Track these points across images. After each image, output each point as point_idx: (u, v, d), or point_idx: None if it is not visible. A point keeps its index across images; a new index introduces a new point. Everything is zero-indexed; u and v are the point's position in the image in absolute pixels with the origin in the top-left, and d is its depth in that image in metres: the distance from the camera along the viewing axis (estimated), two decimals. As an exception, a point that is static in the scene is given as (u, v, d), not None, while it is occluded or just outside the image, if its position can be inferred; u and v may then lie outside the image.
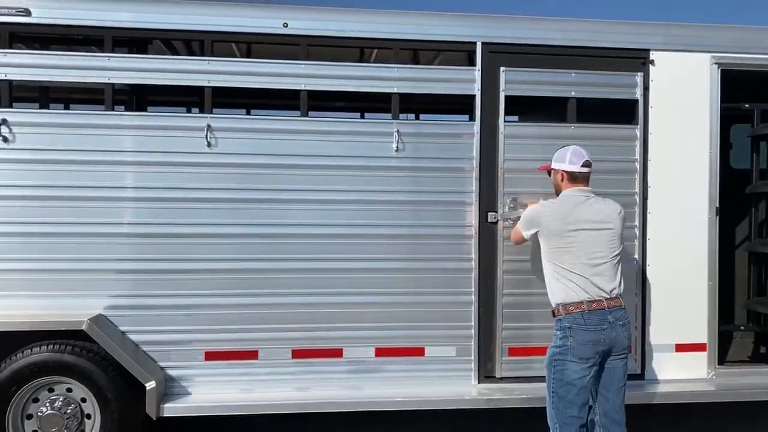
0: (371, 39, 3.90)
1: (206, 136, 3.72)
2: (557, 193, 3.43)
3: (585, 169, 3.31)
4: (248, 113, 4.77)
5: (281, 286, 3.80)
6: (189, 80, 3.75)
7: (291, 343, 3.81)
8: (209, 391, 3.75)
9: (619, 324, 3.16)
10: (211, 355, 3.77)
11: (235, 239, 3.77)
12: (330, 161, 3.82)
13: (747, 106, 4.73)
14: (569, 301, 3.15)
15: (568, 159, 3.31)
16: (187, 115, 4.46)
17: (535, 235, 3.36)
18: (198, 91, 3.82)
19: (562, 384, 3.14)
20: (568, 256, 3.18)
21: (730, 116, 4.99)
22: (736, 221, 5.34)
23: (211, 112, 3.76)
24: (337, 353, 3.85)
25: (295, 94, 3.84)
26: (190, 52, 4.23)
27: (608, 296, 3.16)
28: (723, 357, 4.70)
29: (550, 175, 3.47)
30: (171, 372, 3.74)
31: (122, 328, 3.68)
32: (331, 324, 3.83)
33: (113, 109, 3.72)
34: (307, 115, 3.85)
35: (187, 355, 3.75)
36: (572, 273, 3.16)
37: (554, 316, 3.24)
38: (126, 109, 4.34)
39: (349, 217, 3.84)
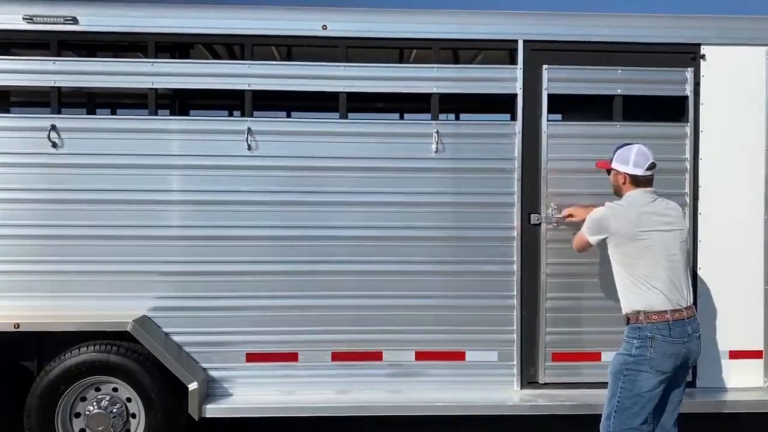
0: (411, 39, 3.86)
1: (247, 139, 3.75)
2: (616, 193, 3.30)
3: (650, 173, 3.16)
4: (288, 116, 4.80)
5: (321, 288, 3.80)
6: (230, 84, 3.79)
7: (331, 345, 3.81)
8: (250, 393, 3.78)
9: (695, 336, 3.04)
10: (252, 357, 3.80)
11: (276, 241, 3.78)
12: (369, 163, 3.80)
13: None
14: (652, 309, 2.98)
15: (632, 160, 3.15)
16: (228, 118, 4.51)
17: (603, 241, 3.21)
18: (239, 94, 3.85)
19: (630, 395, 2.99)
20: (646, 260, 3.02)
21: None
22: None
23: (252, 115, 3.78)
24: (377, 356, 3.83)
25: (334, 96, 3.83)
26: (231, 56, 4.27)
27: (686, 305, 3.03)
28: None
29: (608, 174, 3.33)
30: (213, 373, 3.78)
31: (166, 330, 3.74)
32: (371, 327, 3.81)
33: (157, 114, 3.79)
34: (346, 117, 3.83)
35: (228, 357, 3.78)
36: (653, 278, 3.00)
37: (629, 323, 3.07)
38: (170, 114, 4.41)
39: (388, 219, 3.81)
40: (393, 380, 3.85)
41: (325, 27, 3.78)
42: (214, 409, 3.65)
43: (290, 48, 4.20)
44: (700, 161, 3.88)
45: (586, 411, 3.71)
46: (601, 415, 3.16)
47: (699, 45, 3.89)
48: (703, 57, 3.90)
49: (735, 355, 3.94)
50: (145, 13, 3.75)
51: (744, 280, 3.92)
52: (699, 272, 3.88)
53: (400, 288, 3.82)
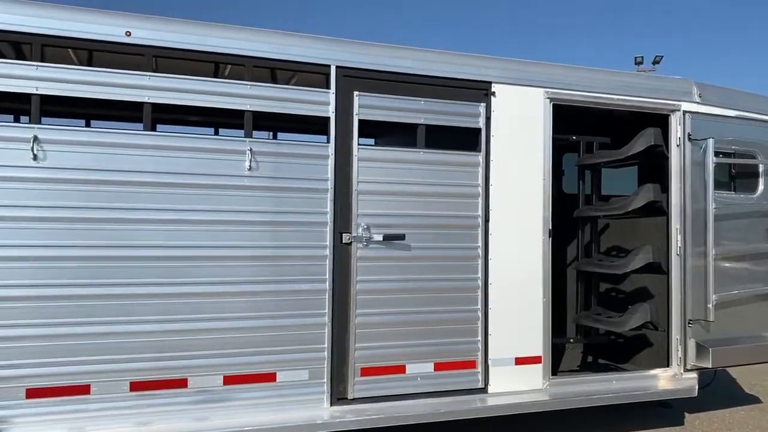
0: (222, 54, 3.77)
1: (32, 147, 3.37)
2: None
3: None
4: (88, 125, 4.41)
5: (118, 313, 3.51)
6: (17, 87, 3.38)
7: (129, 374, 3.52)
8: (31, 433, 3.35)
9: None
10: (33, 393, 3.37)
11: (67, 262, 3.42)
12: (176, 179, 3.63)
13: (574, 137, 5.26)
14: None
15: None
16: (11, 124, 4.01)
17: None
18: (25, 98, 3.45)
19: None
20: None
21: (562, 146, 5.51)
22: (568, 242, 5.89)
23: (40, 122, 3.41)
24: (181, 383, 3.62)
25: (140, 106, 3.61)
26: (19, 57, 3.83)
27: None
28: (557, 368, 5.12)
29: None
30: (-17, 414, 3.28)
31: None
32: (175, 353, 3.61)
33: None
34: (152, 129, 3.63)
35: (3, 394, 3.32)
36: None
37: None
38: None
39: (197, 237, 3.66)
40: (199, 407, 3.67)
41: (128, 33, 3.56)
42: (-18, 457, 3.18)
43: (91, 53, 3.88)
44: (490, 187, 4.32)
45: (394, 423, 3.88)
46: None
47: (490, 83, 4.35)
48: (494, 94, 4.36)
49: (520, 361, 4.40)
50: None
51: (527, 293, 4.42)
52: (489, 287, 4.29)
53: (208, 311, 3.67)
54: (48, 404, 3.40)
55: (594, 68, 4.77)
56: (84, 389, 3.45)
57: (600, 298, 5.59)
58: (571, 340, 5.51)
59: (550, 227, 4.49)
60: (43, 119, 3.47)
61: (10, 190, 3.36)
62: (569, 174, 5.98)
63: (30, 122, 3.43)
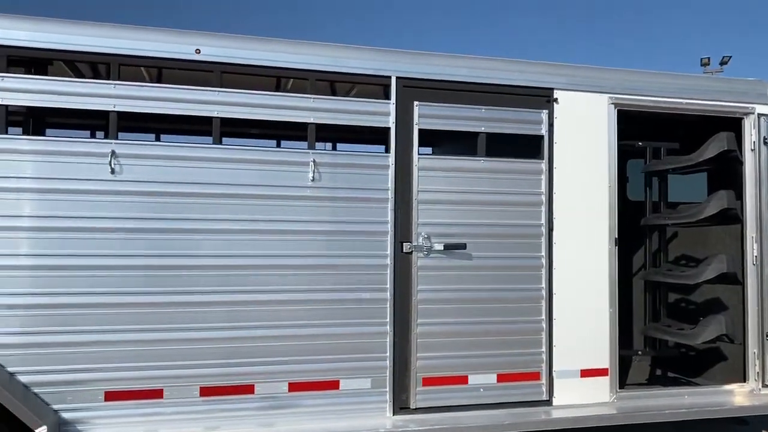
0: (287, 69, 3.88)
1: (110, 162, 3.55)
2: None
3: None
4: (158, 140, 4.61)
5: (189, 320, 3.64)
6: (94, 104, 3.58)
7: (199, 380, 3.65)
8: (109, 435, 3.51)
9: None
10: (111, 395, 3.54)
11: (140, 271, 3.58)
12: (243, 190, 3.74)
13: (640, 143, 5.10)
14: None
15: None
16: (90, 140, 4.24)
17: None
18: (103, 115, 3.65)
19: None
20: None
21: (626, 152, 5.36)
22: (634, 250, 5.70)
23: (117, 138, 3.59)
24: (248, 389, 3.72)
25: (208, 121, 3.74)
26: (96, 76, 4.05)
27: None
28: (624, 381, 4.96)
29: None
30: (66, 415, 3.47)
31: (11, 369, 3.38)
32: (242, 359, 3.71)
33: (7, 133, 3.47)
34: (220, 143, 3.76)
35: (84, 396, 3.49)
36: None
37: None
38: (23, 133, 4.06)
39: (262, 247, 3.76)
40: (266, 413, 3.75)
41: (198, 51, 3.70)
42: (65, 455, 3.35)
43: (161, 70, 4.06)
44: (554, 195, 4.24)
45: (453, 434, 3.85)
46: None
47: (552, 90, 4.29)
48: (556, 100, 4.29)
49: (586, 373, 4.29)
50: (-4, 24, 3.46)
51: (593, 304, 4.31)
52: (554, 297, 4.21)
53: (273, 318, 3.76)
54: (124, 407, 3.56)
55: (660, 72, 4.64)
56: (157, 393, 3.59)
57: (669, 309, 5.38)
58: (639, 353, 5.32)
59: (616, 236, 4.37)
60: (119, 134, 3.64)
61: (90, 203, 3.55)
62: (633, 181, 5.81)
63: (108, 138, 3.62)
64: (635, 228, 5.36)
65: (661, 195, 5.35)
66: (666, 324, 5.15)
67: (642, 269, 5.48)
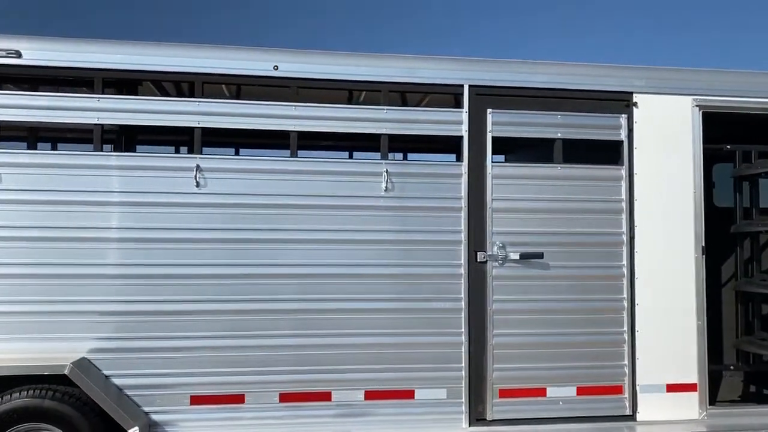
0: (361, 81, 3.95)
1: (195, 176, 3.72)
2: None
3: None
4: (237, 154, 4.79)
5: (269, 328, 3.75)
6: (180, 121, 3.77)
7: (278, 386, 3.74)
8: (194, 437, 3.65)
9: None
10: (196, 399, 3.69)
11: (222, 280, 3.73)
12: (318, 201, 3.83)
13: (729, 147, 4.83)
14: None
15: None
16: (177, 155, 4.47)
17: None
18: (187, 131, 3.83)
19: None
20: None
21: (712, 156, 5.09)
22: (722, 259, 5.39)
23: (201, 153, 3.77)
24: (326, 396, 3.78)
25: (284, 135, 3.87)
26: (179, 94, 4.26)
27: None
28: (714, 397, 4.68)
29: None
30: (155, 417, 3.64)
31: (106, 372, 3.60)
32: (319, 366, 3.78)
33: (102, 150, 3.72)
34: (296, 156, 3.87)
35: (172, 399, 3.66)
36: None
37: None
38: (114, 150, 4.33)
39: (337, 257, 3.82)
40: (342, 420, 3.80)
41: (276, 67, 3.84)
42: (155, 455, 3.52)
43: (239, 87, 4.23)
44: (635, 202, 4.08)
45: (532, 447, 3.76)
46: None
47: (631, 93, 4.14)
48: (635, 104, 4.14)
49: (672, 388, 4.08)
50: (92, 49, 3.72)
51: (679, 315, 4.10)
52: (636, 308, 4.04)
53: (349, 326, 3.81)
54: (208, 411, 3.70)
55: (747, 71, 4.39)
56: (239, 398, 3.72)
57: (764, 322, 5.04)
58: (731, 368, 5.02)
59: (703, 244, 4.16)
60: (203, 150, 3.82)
61: (176, 215, 3.73)
62: (720, 186, 5.49)
63: (192, 153, 3.81)
64: (723, 236, 5.07)
65: (752, 201, 5.04)
66: (760, 337, 4.83)
67: (732, 279, 5.17)
